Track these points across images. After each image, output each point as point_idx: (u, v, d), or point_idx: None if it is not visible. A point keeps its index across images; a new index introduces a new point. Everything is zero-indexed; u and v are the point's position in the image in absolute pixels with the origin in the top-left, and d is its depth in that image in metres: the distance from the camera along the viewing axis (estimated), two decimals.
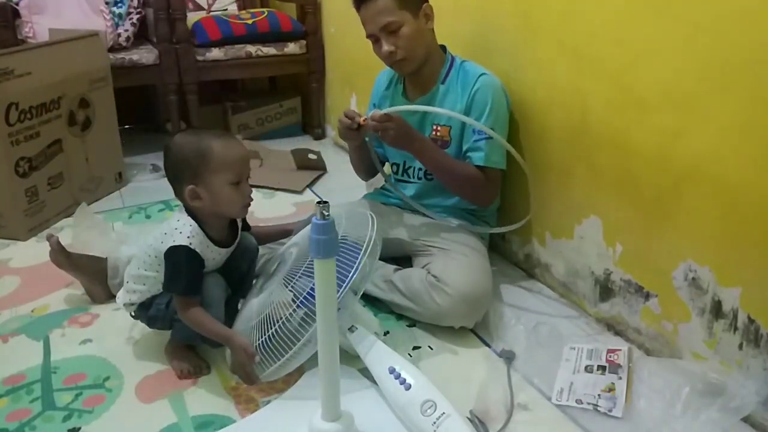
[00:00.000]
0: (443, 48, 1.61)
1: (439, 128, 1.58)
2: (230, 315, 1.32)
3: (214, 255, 1.27)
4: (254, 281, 1.41)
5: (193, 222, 1.24)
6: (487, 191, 1.57)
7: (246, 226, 1.41)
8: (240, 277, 1.37)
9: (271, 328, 1.17)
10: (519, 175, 1.65)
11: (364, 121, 1.42)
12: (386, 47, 1.49)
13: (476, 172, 1.52)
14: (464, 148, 1.54)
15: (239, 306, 1.37)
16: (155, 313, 1.29)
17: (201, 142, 1.22)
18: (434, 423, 1.05)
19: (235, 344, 1.19)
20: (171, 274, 1.22)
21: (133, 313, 1.35)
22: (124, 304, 1.34)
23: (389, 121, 1.40)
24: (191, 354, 1.32)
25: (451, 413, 1.05)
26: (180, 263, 1.21)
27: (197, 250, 1.22)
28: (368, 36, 1.52)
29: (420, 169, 1.63)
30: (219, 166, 1.21)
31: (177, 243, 1.21)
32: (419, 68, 1.55)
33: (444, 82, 1.57)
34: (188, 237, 1.22)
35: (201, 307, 1.22)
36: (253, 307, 1.28)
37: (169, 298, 1.27)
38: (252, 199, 1.28)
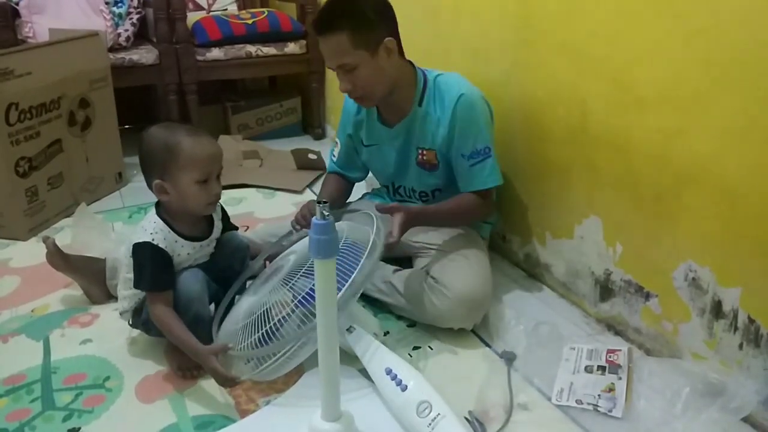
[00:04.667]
0: (411, 64, 1.51)
1: (425, 152, 1.53)
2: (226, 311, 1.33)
3: (187, 249, 1.28)
4: (249, 282, 1.41)
5: (157, 219, 1.26)
6: (485, 209, 1.55)
7: (232, 227, 1.42)
8: (232, 275, 1.38)
9: (267, 325, 1.16)
10: (519, 175, 1.65)
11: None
12: (343, 85, 1.42)
13: (471, 200, 1.49)
14: (458, 173, 1.49)
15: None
16: (147, 316, 1.28)
17: (171, 137, 1.22)
18: (429, 424, 1.05)
19: (200, 353, 1.18)
20: (136, 271, 1.25)
21: (130, 321, 1.36)
22: (120, 314, 1.36)
23: (398, 234, 1.32)
24: None
25: (446, 414, 1.05)
26: (143, 259, 1.23)
27: (161, 245, 1.23)
28: (328, 67, 1.46)
29: (412, 189, 1.61)
30: (186, 163, 1.22)
31: (140, 240, 1.23)
32: (384, 100, 1.48)
33: (421, 104, 1.49)
34: (151, 234, 1.24)
35: (171, 309, 1.23)
36: (241, 309, 1.27)
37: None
38: (218, 198, 1.29)
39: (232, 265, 1.38)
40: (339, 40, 1.35)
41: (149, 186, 1.27)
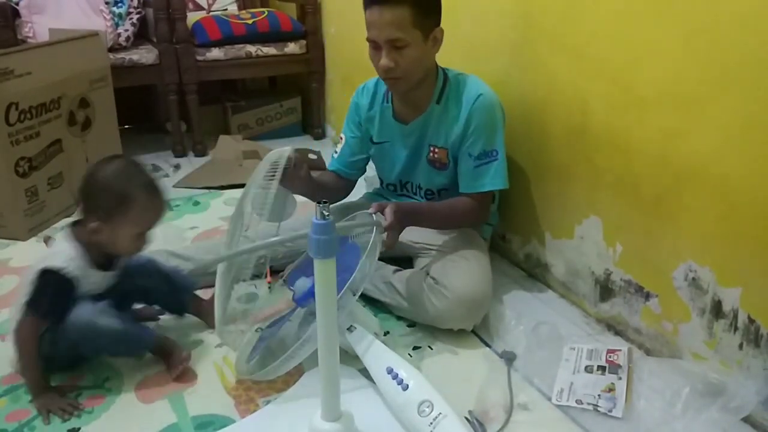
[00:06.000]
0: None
1: (436, 150, 1.52)
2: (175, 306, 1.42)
3: (97, 279, 1.26)
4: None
5: (77, 244, 1.22)
6: (480, 215, 1.54)
7: None
8: (153, 289, 1.38)
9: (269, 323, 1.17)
10: (519, 175, 1.65)
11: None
12: (385, 61, 1.37)
13: (466, 204, 1.49)
14: (461, 172, 1.49)
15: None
16: (49, 351, 1.22)
17: (126, 188, 1.19)
18: (431, 423, 1.05)
19: (37, 392, 1.20)
20: (36, 293, 1.20)
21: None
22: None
23: (393, 223, 1.29)
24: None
25: (447, 413, 1.05)
26: (47, 286, 1.19)
27: (72, 275, 1.20)
28: (369, 40, 1.40)
29: (419, 186, 1.61)
30: (134, 219, 1.20)
31: (52, 266, 1.20)
32: (407, 93, 1.47)
33: (439, 101, 1.49)
34: (65, 261, 1.20)
35: (37, 338, 1.20)
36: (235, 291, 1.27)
37: (45, 329, 1.21)
38: (147, 247, 1.27)
39: (144, 284, 1.36)
40: (401, 14, 1.33)
41: (81, 218, 1.22)
